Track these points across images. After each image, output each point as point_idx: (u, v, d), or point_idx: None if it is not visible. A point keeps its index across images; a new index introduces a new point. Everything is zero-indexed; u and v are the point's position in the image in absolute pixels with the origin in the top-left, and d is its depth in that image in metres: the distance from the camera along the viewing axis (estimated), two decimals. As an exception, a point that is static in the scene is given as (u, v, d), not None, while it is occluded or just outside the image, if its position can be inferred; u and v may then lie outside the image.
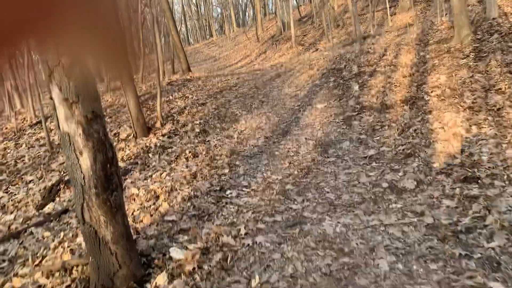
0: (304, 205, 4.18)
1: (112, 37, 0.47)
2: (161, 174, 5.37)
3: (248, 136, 6.80)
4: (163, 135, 6.99)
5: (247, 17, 57.22)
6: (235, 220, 3.97)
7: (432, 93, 6.63)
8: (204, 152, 6.03)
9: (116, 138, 7.17)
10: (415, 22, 15.29)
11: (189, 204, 4.38)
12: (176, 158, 5.94)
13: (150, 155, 6.23)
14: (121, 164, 6.05)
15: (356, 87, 8.16)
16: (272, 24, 33.58)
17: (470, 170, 4.24)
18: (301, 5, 35.04)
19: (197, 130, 7.09)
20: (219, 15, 58.34)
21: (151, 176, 5.42)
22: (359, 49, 11.89)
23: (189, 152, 6.00)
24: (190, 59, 33.49)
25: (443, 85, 6.72)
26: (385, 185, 4.39)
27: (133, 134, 7.14)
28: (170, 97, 9.58)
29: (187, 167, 5.52)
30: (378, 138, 5.80)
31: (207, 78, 12.42)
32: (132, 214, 4.34)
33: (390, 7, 19.80)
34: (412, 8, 19.02)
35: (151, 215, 4.23)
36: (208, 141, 6.63)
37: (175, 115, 8.06)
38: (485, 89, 6.00)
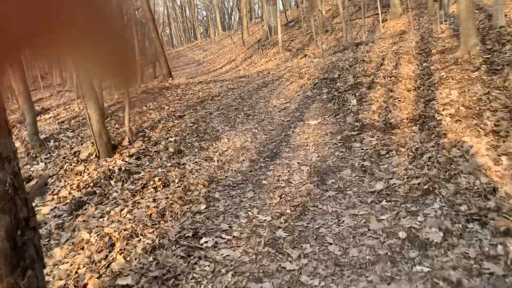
0: (301, 263, 3.22)
1: (117, 45, 0.46)
2: (121, 210, 4.36)
3: (230, 158, 5.82)
4: (130, 156, 5.96)
5: (232, 21, 56.50)
6: (209, 287, 2.99)
7: (443, 111, 5.76)
8: (177, 180, 5.04)
9: (75, 158, 6.11)
10: (409, 29, 14.55)
11: (151, 258, 3.39)
12: (143, 188, 4.93)
13: (112, 182, 5.20)
14: (76, 194, 5.02)
15: (354, 101, 7.27)
16: (258, 28, 32.78)
17: (511, 218, 3.35)
18: (287, 10, 34.30)
19: (171, 149, 6.09)
20: (204, 18, 57.45)
21: (109, 212, 4.40)
22: (353, 57, 11.04)
23: (159, 179, 4.99)
24: (173, 63, 32.40)
25: (455, 102, 5.87)
26: (402, 235, 3.46)
27: (96, 154, 6.09)
28: (144, 107, 8.54)
29: (154, 200, 4.51)
30: (385, 166, 4.88)
31: (188, 85, 11.40)
32: (76, 272, 3.32)
33: (379, 13, 19.15)
34: (404, 15, 18.40)
35: (100, 276, 3.21)
36: (183, 164, 5.64)
37: (147, 130, 7.03)
38: (509, 109, 5.16)
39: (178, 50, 44.35)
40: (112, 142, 6.35)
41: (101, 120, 6.02)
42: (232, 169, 5.42)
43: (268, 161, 5.63)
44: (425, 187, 4.20)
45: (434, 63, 7.96)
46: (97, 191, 4.98)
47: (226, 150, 6.13)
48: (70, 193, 5.08)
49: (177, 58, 36.35)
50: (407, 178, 4.49)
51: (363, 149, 5.49)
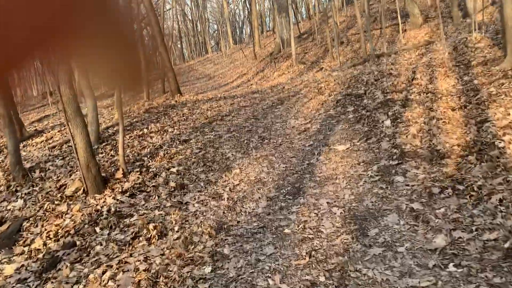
0: None
1: (127, 51, 0.47)
2: (102, 275, 3.34)
3: (243, 195, 4.79)
4: (123, 192, 4.97)
5: (244, 34, 56.07)
6: None
7: (505, 136, 4.67)
8: (176, 227, 4.02)
9: (59, 195, 5.14)
10: (439, 38, 13.49)
11: None
12: (134, 238, 3.92)
13: (98, 228, 4.20)
14: (52, 245, 4.03)
15: (388, 122, 6.20)
16: (270, 41, 32.04)
17: None
18: (300, 22, 33.55)
19: (172, 184, 5.08)
20: (216, 32, 57.10)
21: (87, 276, 3.38)
22: (377, 70, 10.00)
23: (155, 227, 3.97)
24: (183, 78, 31.72)
25: (519, 125, 4.78)
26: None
27: (84, 189, 5.12)
28: (145, 130, 7.58)
29: (146, 259, 3.49)
30: (442, 210, 3.80)
31: (196, 103, 10.44)
32: None
33: (399, 24, 18.23)
34: (425, 24, 17.38)
35: None
36: (186, 204, 4.62)
37: (146, 158, 6.05)
38: None
39: (189, 64, 43.77)
40: (104, 175, 5.38)
41: (89, 149, 5.06)
42: (245, 211, 4.38)
43: (289, 199, 4.58)
44: (506, 245, 3.10)
45: (478, 76, 6.87)
46: (78, 242, 3.98)
47: (238, 184, 5.10)
48: (45, 244, 4.09)
49: (187, 72, 35.67)
50: (476, 230, 3.40)
51: (408, 185, 4.41)
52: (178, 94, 13.88)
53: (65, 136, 7.96)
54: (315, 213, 4.17)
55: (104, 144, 6.96)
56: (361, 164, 5.22)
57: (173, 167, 5.64)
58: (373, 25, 21.64)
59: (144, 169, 5.60)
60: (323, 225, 3.92)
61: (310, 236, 3.74)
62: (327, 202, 4.37)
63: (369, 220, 3.91)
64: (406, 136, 5.62)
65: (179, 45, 62.27)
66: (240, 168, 5.63)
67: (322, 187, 4.78)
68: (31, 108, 20.25)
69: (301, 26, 31.41)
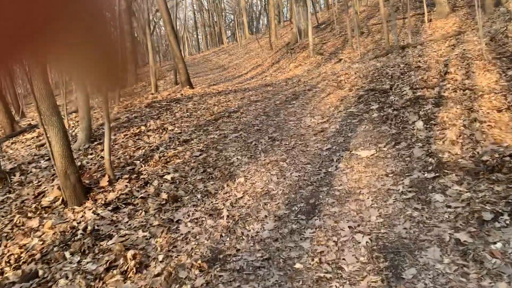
0: None
1: (105, 49, 0.47)
2: (57, 325, 2.58)
3: (246, 212, 3.98)
4: (106, 204, 4.22)
5: (260, 24, 55.02)
6: None
7: None
8: (161, 256, 3.24)
9: (34, 205, 4.41)
10: (465, 29, 12.40)
11: None
12: (107, 270, 3.15)
13: (68, 253, 3.46)
14: (9, 274, 3.30)
15: (420, 124, 5.31)
16: (287, 31, 31.06)
17: None
18: (317, 12, 32.41)
19: (164, 195, 4.30)
20: (232, 22, 56.19)
21: (39, 325, 2.63)
22: (403, 62, 9.04)
23: (134, 256, 3.19)
24: (196, 68, 30.97)
25: None
26: None
27: (62, 198, 4.38)
28: (143, 127, 6.80)
29: (116, 304, 2.72)
30: (499, 246, 2.93)
31: (202, 97, 9.62)
32: None
33: (423, 13, 17.10)
34: (453, 14, 16.18)
35: None
36: (177, 222, 3.84)
37: (138, 161, 5.27)
38: None
39: (203, 55, 42.97)
40: (87, 182, 4.64)
41: (67, 153, 4.30)
42: (248, 234, 3.57)
43: (302, 220, 3.75)
44: None
45: (525, 70, 5.90)
46: (41, 272, 3.23)
47: (241, 197, 4.28)
48: (2, 272, 3.35)
49: (202, 63, 34.87)
50: (551, 277, 2.53)
51: (450, 207, 3.54)
52: (187, 87, 13.10)
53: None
54: (334, 241, 3.34)
55: (96, 143, 6.22)
56: (389, 175, 4.34)
57: (168, 173, 4.85)
58: (394, 15, 20.43)
59: (135, 175, 4.83)
60: (344, 259, 3.09)
61: (328, 275, 2.92)
62: (349, 226, 3.53)
63: (403, 254, 3.06)
64: (443, 142, 4.72)
65: (194, 35, 61.58)
66: (245, 176, 4.81)
67: (343, 204, 3.94)
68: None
69: (319, 16, 30.33)
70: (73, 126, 7.59)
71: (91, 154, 5.73)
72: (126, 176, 4.80)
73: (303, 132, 6.22)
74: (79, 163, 5.39)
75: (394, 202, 3.82)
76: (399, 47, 12.14)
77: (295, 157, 5.27)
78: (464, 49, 8.40)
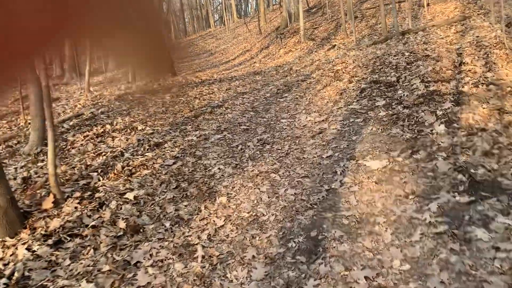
0: None
1: (153, 36, 0.47)
2: None
3: (228, 250, 3.03)
4: (46, 236, 3.24)
5: (249, 8, 53.59)
6: None
7: None
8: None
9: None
10: (471, 13, 11.51)
11: None
12: None
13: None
14: None
15: (440, 128, 4.39)
16: (276, 15, 29.92)
17: None
18: (309, -5, 31.26)
19: (122, 224, 3.33)
20: (220, 5, 54.54)
21: None
22: (407, 50, 8.10)
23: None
24: (182, 53, 29.67)
25: None
26: None
27: (-8, 226, 3.38)
28: (108, 126, 5.76)
29: None
30: None
31: (183, 87, 8.57)
32: None
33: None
34: (452, -2, 15.25)
35: None
36: (135, 266, 2.88)
37: (96, 173, 4.26)
38: None
39: (190, 39, 41.50)
40: (26, 203, 3.64)
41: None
42: (229, 287, 2.63)
43: (301, 263, 2.82)
44: None
45: (559, 62, 5.00)
46: None
47: (222, 226, 3.33)
48: None
49: (187, 48, 33.48)
50: None
51: (499, 250, 2.64)
52: (169, 74, 12.00)
53: (14, 130, 6.20)
54: (346, 303, 2.42)
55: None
56: (410, 197, 3.43)
57: (131, 190, 3.87)
58: (386, 0, 19.48)
59: (89, 193, 3.84)
60: (363, 336, 2.18)
61: None
62: (366, 277, 2.61)
63: (449, 330, 2.15)
64: (473, 153, 3.82)
65: (181, 19, 59.70)
66: (228, 193, 3.85)
67: (354, 240, 3.01)
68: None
69: (310, 0, 29.19)
70: (29, 123, 6.53)
71: (42, 161, 4.70)
72: (78, 194, 3.80)
73: (298, 133, 5.26)
74: (24, 174, 4.38)
75: (421, 238, 2.91)
76: (399, 33, 11.18)
77: (289, 167, 4.32)
78: (477, 36, 7.47)
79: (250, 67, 15.82)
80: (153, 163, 4.48)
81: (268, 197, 3.74)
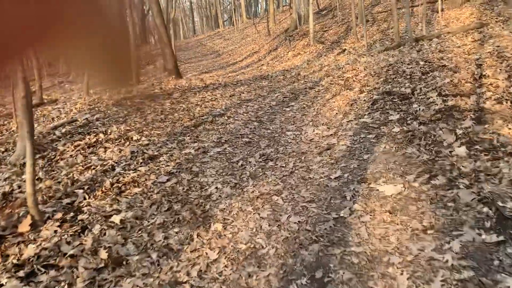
0: None
1: (117, 43, 0.47)
2: None
3: (221, 291, 2.66)
4: (18, 266, 2.88)
5: (259, 8, 53.31)
6: None
7: None
8: None
9: None
10: (488, 21, 11.06)
11: None
12: None
13: None
14: None
15: (461, 150, 3.99)
16: (286, 16, 29.59)
17: None
18: (319, -3, 30.88)
19: (103, 254, 2.97)
20: (229, 5, 54.30)
21: None
22: (421, 59, 7.68)
23: None
24: (189, 53, 29.39)
25: None
26: None
27: (-39, 250, 3.04)
28: (101, 135, 5.41)
29: None
30: None
31: (185, 92, 8.20)
32: None
33: (434, 1, 15.79)
34: (468, 4, 14.75)
35: None
36: (113, 310, 2.51)
37: (82, 190, 3.91)
38: None
39: (198, 39, 41.28)
40: (1, 225, 3.29)
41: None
42: None
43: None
44: None
45: None
46: None
47: (215, 261, 2.96)
48: None
49: (195, 47, 33.25)
50: None
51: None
52: (173, 76, 11.67)
53: (5, 135, 5.87)
54: None
55: (40, 155, 4.83)
56: (428, 231, 3.03)
57: (118, 211, 3.51)
58: (407, 1, 19.00)
59: (71, 214, 3.48)
60: None
61: None
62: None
63: None
64: (500, 181, 3.41)
65: (190, 18, 59.53)
66: (224, 219, 3.48)
67: (365, 283, 2.62)
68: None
69: (320, 2, 28.79)
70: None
71: (25, 174, 4.35)
72: (60, 215, 3.45)
73: (304, 149, 4.87)
74: (6, 188, 4.04)
75: (442, 286, 2.51)
76: (413, 39, 10.74)
77: (294, 189, 3.93)
78: (497, 46, 7.04)
79: (257, 70, 15.46)
80: (146, 179, 4.11)
81: (269, 225, 3.36)
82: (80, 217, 3.45)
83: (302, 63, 14.05)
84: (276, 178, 4.17)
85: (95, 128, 5.73)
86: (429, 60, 7.41)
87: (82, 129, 5.69)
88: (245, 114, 6.42)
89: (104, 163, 4.47)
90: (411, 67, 7.23)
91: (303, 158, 4.60)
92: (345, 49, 14.63)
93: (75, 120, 6.03)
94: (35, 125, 6.28)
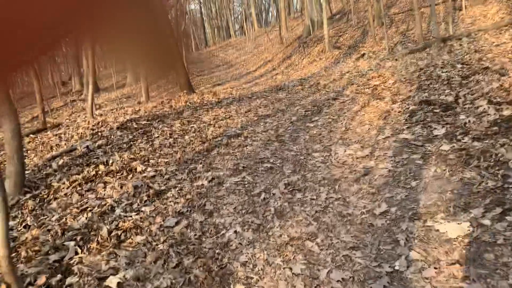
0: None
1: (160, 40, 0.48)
2: None
3: None
4: None
5: (269, 16, 52.87)
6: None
7: None
8: None
9: None
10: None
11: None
12: None
13: None
14: None
15: (539, 174, 3.19)
16: (298, 23, 28.95)
17: None
18: (330, 2, 30.14)
19: None
20: (240, 15, 54.03)
21: None
22: (456, 61, 6.87)
23: None
24: (201, 65, 28.92)
25: None
26: None
27: None
28: (101, 166, 4.73)
29: None
30: None
31: (196, 110, 7.53)
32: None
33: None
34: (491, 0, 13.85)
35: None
36: None
37: (73, 242, 3.22)
38: None
39: (210, 50, 40.89)
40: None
41: None
42: None
43: None
44: None
45: None
46: None
47: None
48: None
49: (207, 58, 32.79)
50: None
51: None
52: (185, 91, 11.06)
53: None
54: None
55: (30, 195, 4.19)
56: (519, 294, 2.25)
57: (116, 271, 2.81)
58: (420, 2, 18.13)
59: (58, 277, 2.80)
60: None
61: None
62: None
63: None
64: None
65: (201, 29, 59.36)
66: (247, 277, 2.75)
67: None
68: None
69: (332, 7, 28.06)
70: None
71: (15, 218, 3.71)
72: (44, 278, 2.78)
73: (337, 174, 4.12)
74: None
75: None
76: (440, 40, 9.92)
77: (331, 230, 3.19)
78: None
79: (272, 79, 14.79)
80: (150, 223, 3.42)
81: (304, 285, 2.62)
82: (69, 280, 2.77)
83: (319, 70, 13.33)
84: (307, 215, 3.43)
85: (96, 157, 5.09)
86: (466, 62, 6.61)
87: (81, 160, 5.05)
88: (264, 133, 5.70)
89: (103, 202, 3.80)
90: (447, 71, 6.45)
91: (336, 187, 3.85)
92: (364, 54, 13.85)
93: (75, 149, 5.40)
94: (32, 156, 5.68)
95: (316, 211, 3.48)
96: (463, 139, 4.14)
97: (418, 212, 3.22)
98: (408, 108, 5.36)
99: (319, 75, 11.85)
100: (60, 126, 7.47)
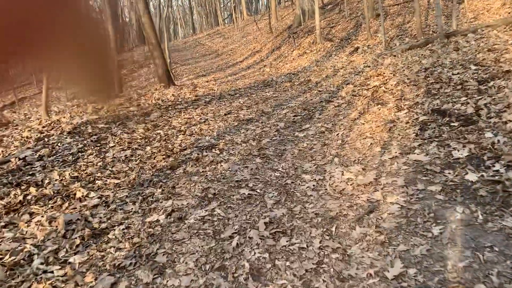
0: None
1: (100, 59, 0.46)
2: None
3: None
4: None
5: (259, 4, 51.59)
6: None
7: None
8: None
9: None
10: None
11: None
12: None
13: None
14: None
15: None
16: (288, 12, 27.89)
17: None
18: (323, -9, 29.15)
19: None
20: (229, 2, 52.66)
21: None
22: (467, 60, 5.98)
23: None
24: (186, 54, 27.69)
25: None
26: None
27: None
28: (32, 190, 3.71)
29: None
30: None
31: (168, 111, 6.49)
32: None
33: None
34: (493, -8, 13.02)
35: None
36: None
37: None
38: None
39: (196, 38, 39.50)
40: None
41: None
42: None
43: None
44: None
45: None
46: None
47: None
48: None
49: (193, 47, 31.51)
50: None
51: None
52: (162, 84, 10.01)
53: None
54: None
55: None
56: None
57: None
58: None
59: None
60: None
61: None
62: None
63: None
64: None
65: (188, 17, 57.77)
66: None
67: None
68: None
69: (325, -3, 27.04)
70: None
71: None
72: None
73: (334, 209, 3.19)
74: None
75: None
76: (443, 35, 9.02)
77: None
78: None
79: (260, 72, 13.79)
80: (75, 285, 2.45)
81: None
82: None
83: (310, 64, 12.36)
84: (294, 277, 2.49)
85: (30, 174, 4.07)
86: (480, 63, 5.72)
87: (11, 177, 4.02)
88: (244, 145, 4.72)
89: (20, 247, 2.81)
90: (458, 73, 5.54)
91: (333, 229, 2.92)
92: (358, 47, 12.91)
93: (7, 161, 4.36)
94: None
95: (307, 270, 2.55)
96: (493, 166, 3.24)
97: (447, 279, 2.31)
98: (417, 119, 4.44)
99: (310, 70, 10.90)
100: (9, 125, 6.40)
